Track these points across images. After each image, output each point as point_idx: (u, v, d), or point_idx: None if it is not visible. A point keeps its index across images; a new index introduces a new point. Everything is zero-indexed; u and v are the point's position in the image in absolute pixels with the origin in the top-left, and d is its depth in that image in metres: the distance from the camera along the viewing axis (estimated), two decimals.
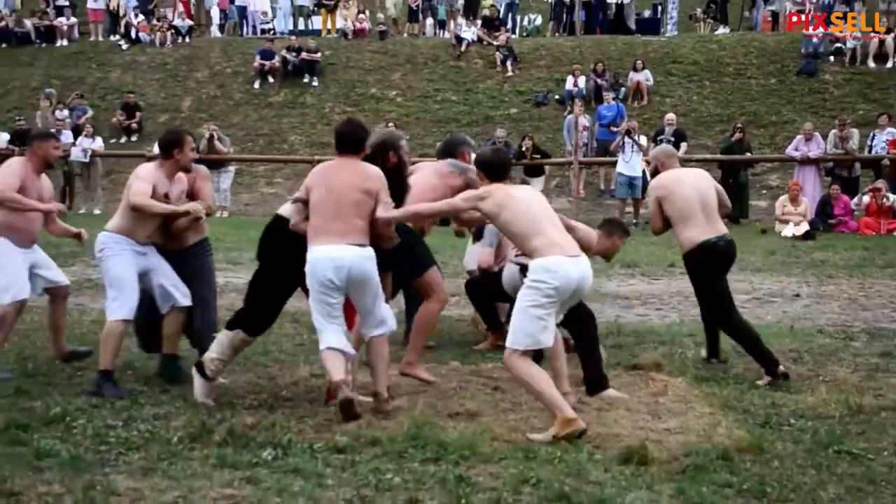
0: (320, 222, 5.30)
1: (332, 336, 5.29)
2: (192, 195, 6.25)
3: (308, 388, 6.02)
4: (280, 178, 20.19)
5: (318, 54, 22.89)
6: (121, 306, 5.81)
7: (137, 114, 21.35)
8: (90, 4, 25.56)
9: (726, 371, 6.63)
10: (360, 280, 5.29)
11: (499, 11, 24.70)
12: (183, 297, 6.06)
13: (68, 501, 3.94)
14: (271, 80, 22.85)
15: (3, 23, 24.78)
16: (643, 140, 16.54)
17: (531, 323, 5.04)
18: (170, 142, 6.12)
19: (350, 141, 5.49)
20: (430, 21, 25.52)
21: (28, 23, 25.09)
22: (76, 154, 18.30)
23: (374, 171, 5.46)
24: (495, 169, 5.48)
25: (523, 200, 5.29)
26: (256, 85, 22.85)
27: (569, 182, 18.33)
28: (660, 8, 25.61)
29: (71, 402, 5.45)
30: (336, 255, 5.22)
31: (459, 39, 23.36)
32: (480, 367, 6.66)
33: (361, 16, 24.77)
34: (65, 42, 24.94)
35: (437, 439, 4.79)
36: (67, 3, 25.55)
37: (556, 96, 21.32)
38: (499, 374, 6.37)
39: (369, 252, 5.34)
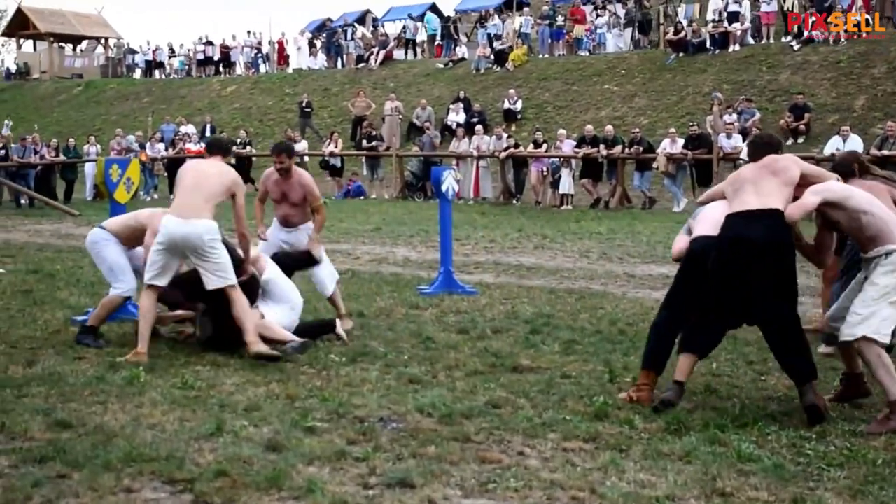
0: None
1: None
2: None
3: None
4: None
5: None
6: None
7: (806, 115, 20.93)
8: (763, 8, 25.80)
9: None
10: None
11: None
12: None
13: None
14: None
15: (683, 34, 26.14)
16: None
17: None
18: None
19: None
20: None
21: (704, 31, 26.10)
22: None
23: None
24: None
25: None
26: None
27: None
28: None
29: (761, 408, 5.43)
30: None
31: None
32: None
33: None
34: (737, 47, 25.47)
35: None
36: (741, 9, 26.06)
37: None
38: None
39: None
